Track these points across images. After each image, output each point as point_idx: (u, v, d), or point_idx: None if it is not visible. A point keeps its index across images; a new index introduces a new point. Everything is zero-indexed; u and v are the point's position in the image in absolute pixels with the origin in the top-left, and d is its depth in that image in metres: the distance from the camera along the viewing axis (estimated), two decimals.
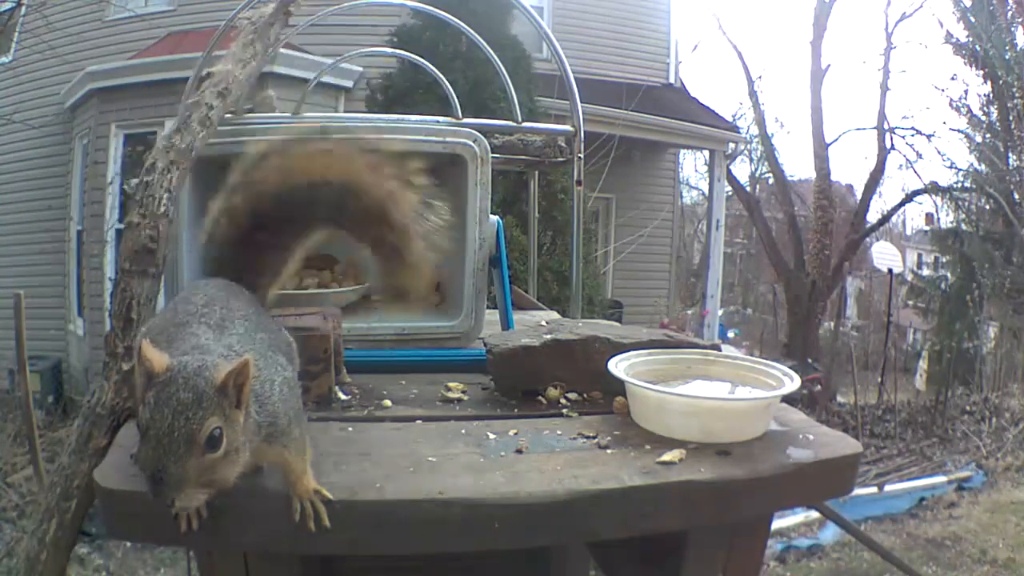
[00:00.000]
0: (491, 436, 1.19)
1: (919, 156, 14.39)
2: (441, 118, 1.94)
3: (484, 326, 1.79)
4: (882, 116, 14.46)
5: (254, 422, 0.86)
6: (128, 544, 4.61)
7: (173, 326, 0.95)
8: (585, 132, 2.11)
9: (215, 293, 1.05)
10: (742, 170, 18.34)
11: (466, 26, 2.31)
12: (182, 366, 0.81)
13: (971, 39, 12.45)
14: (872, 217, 15.06)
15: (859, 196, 15.44)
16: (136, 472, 1.01)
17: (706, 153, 12.41)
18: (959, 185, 13.42)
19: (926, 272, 16.66)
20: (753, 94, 15.82)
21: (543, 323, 1.62)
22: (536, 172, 2.86)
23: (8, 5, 8.73)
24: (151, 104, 8.36)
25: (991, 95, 12.62)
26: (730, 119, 13.99)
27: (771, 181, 17.26)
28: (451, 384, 1.45)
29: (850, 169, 47.21)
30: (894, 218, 16.95)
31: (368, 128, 1.73)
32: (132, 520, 0.99)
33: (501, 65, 2.30)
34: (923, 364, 13.93)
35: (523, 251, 4.79)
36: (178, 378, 0.79)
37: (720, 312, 12.42)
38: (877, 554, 4.80)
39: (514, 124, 2.19)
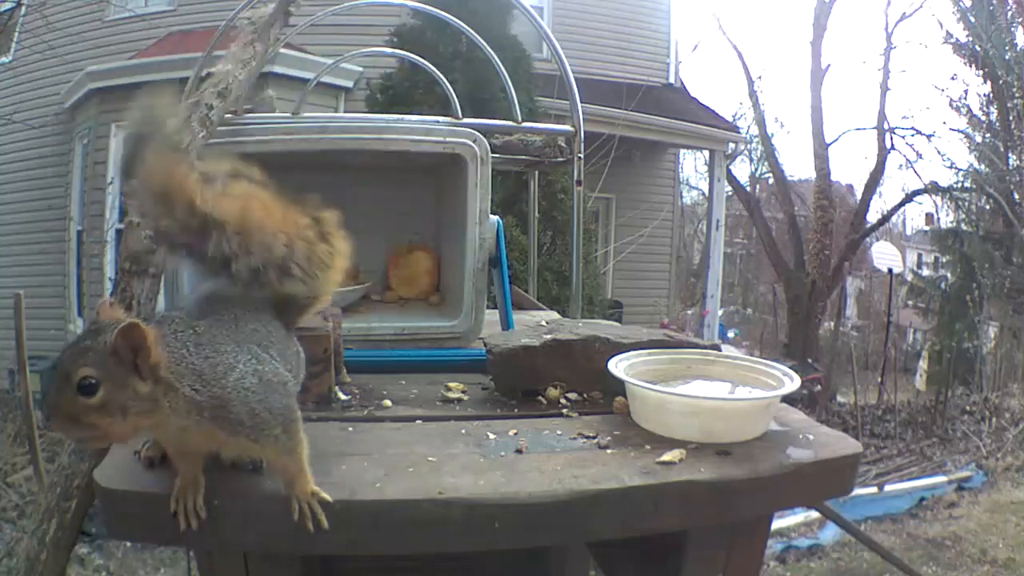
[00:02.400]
0: (491, 436, 1.19)
1: (919, 156, 14.44)
2: (441, 118, 1.94)
3: (484, 326, 1.79)
4: (882, 116, 14.47)
5: (189, 398, 0.87)
6: (128, 544, 4.61)
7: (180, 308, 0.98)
8: (585, 132, 2.11)
9: (225, 285, 1.06)
10: (742, 170, 18.36)
11: (466, 26, 2.31)
12: (105, 323, 0.86)
13: (971, 39, 12.45)
14: (872, 217, 15.08)
15: (859, 196, 15.46)
16: (136, 472, 1.02)
17: (706, 153, 12.41)
18: (959, 185, 13.43)
19: (926, 272, 16.66)
20: (753, 94, 15.84)
21: (543, 323, 1.62)
22: (536, 172, 2.86)
23: (8, 5, 8.73)
24: None
25: (991, 95, 12.62)
26: (730, 119, 14.00)
27: (771, 181, 17.26)
28: (451, 384, 1.45)
29: (850, 169, 47.31)
30: (894, 218, 16.98)
31: (368, 128, 1.74)
32: (132, 520, 1.00)
33: (501, 65, 2.30)
34: (923, 364, 13.95)
35: (523, 251, 4.79)
36: (94, 329, 0.86)
37: (720, 312, 12.41)
38: (877, 554, 4.80)
39: (514, 124, 2.19)
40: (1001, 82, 12.07)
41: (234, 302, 1.02)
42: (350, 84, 8.83)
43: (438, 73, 2.54)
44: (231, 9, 1.91)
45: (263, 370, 0.94)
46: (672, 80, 11.72)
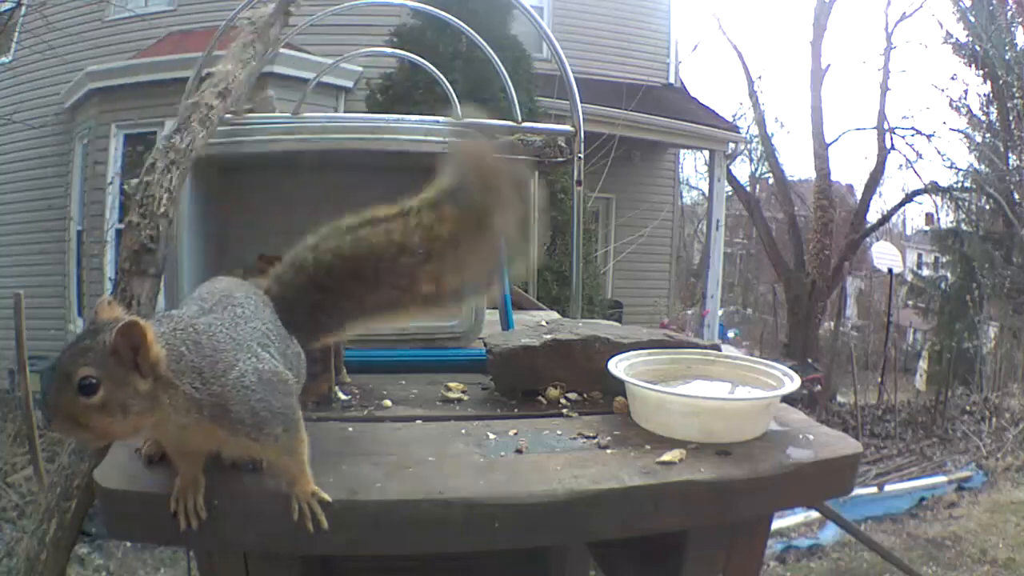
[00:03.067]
0: (491, 436, 1.19)
1: (919, 156, 14.40)
2: (441, 118, 1.94)
3: (484, 326, 1.79)
4: (882, 116, 14.46)
5: (189, 396, 0.87)
6: (128, 544, 4.61)
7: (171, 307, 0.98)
8: (585, 132, 2.11)
9: (226, 284, 1.07)
10: (742, 170, 18.34)
11: (466, 26, 2.31)
12: (104, 323, 0.86)
13: (971, 39, 12.45)
14: (872, 217, 15.07)
15: (859, 196, 15.46)
16: (136, 472, 1.02)
17: (706, 153, 12.41)
18: (959, 185, 13.43)
19: (926, 272, 16.66)
20: (753, 94, 15.83)
21: (543, 323, 1.62)
22: (536, 172, 2.86)
23: (8, 5, 8.73)
24: (151, 104, 8.35)
25: (991, 95, 12.62)
26: (730, 119, 13.99)
27: (771, 181, 17.26)
28: (451, 384, 1.45)
29: (850, 169, 47.22)
30: (894, 218, 16.97)
31: (368, 128, 1.74)
32: (132, 520, 1.00)
33: (501, 65, 2.30)
34: (923, 364, 13.94)
35: None
36: (93, 328, 0.86)
37: (720, 312, 12.41)
38: (877, 554, 4.80)
39: (514, 124, 2.19)
40: (1001, 82, 12.06)
41: (234, 301, 1.02)
42: (350, 84, 8.84)
43: (438, 73, 2.54)
44: (231, 9, 1.91)
45: (263, 369, 0.94)
46: (672, 80, 11.71)
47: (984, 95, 12.75)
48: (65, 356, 0.84)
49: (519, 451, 1.13)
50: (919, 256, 19.09)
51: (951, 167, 13.48)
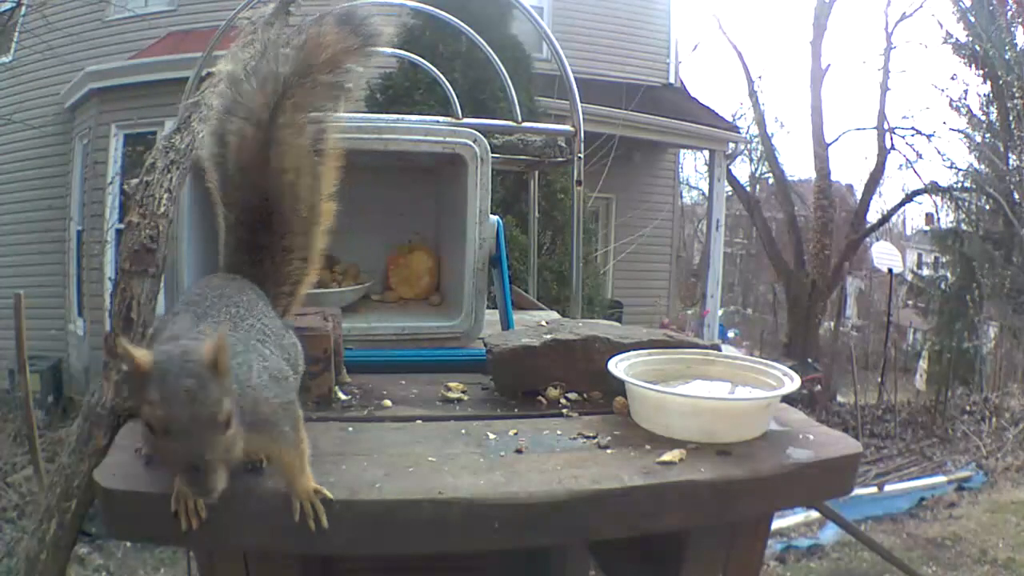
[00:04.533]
0: (491, 436, 1.19)
1: (919, 156, 14.43)
2: (441, 118, 1.94)
3: (484, 326, 1.79)
4: (882, 116, 14.45)
5: (235, 402, 0.85)
6: (128, 544, 4.61)
7: (169, 315, 0.97)
8: (585, 132, 2.11)
9: (217, 283, 1.07)
10: (742, 170, 18.34)
11: (466, 26, 2.31)
12: (168, 356, 0.79)
13: (971, 39, 12.43)
14: (872, 217, 15.06)
15: (859, 196, 15.45)
16: (136, 472, 1.01)
17: (706, 153, 12.41)
18: (959, 185, 13.41)
19: (926, 272, 16.66)
20: (753, 94, 15.81)
21: (543, 323, 1.62)
22: (536, 172, 2.86)
23: (8, 5, 8.73)
24: (151, 104, 8.35)
25: (991, 95, 12.59)
26: (730, 119, 13.99)
27: (771, 181, 17.25)
28: (451, 384, 1.45)
29: (850, 169, 47.31)
30: (894, 218, 16.96)
31: (368, 128, 1.74)
32: (132, 520, 1.00)
33: (501, 65, 2.29)
34: (923, 364, 13.92)
35: (523, 251, 4.79)
36: (173, 368, 0.78)
37: (720, 312, 12.40)
38: (877, 554, 4.80)
39: (514, 124, 2.19)
40: (1001, 82, 12.04)
41: (229, 300, 1.01)
42: (349, 84, 8.83)
43: (438, 73, 2.54)
44: (231, 9, 1.91)
45: (270, 367, 0.94)
46: (672, 80, 11.71)
47: (984, 95, 12.74)
48: (183, 407, 0.76)
49: (519, 451, 1.13)
50: (919, 256, 19.09)
51: (951, 167, 13.48)
